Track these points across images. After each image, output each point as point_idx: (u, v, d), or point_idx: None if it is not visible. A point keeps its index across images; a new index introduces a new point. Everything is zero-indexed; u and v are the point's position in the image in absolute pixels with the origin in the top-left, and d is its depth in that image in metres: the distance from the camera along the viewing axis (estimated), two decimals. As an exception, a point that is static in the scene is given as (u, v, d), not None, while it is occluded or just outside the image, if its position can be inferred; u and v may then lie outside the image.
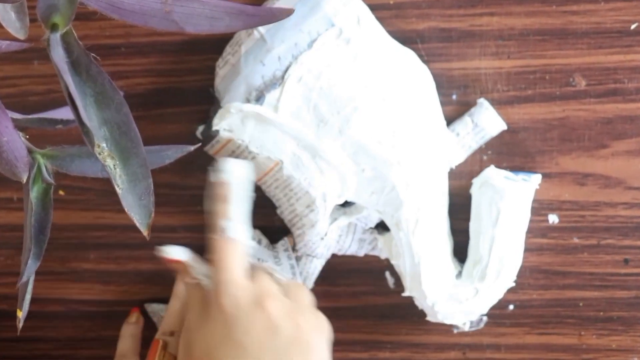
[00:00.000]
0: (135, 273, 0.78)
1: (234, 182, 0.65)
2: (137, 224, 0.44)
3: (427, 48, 0.70)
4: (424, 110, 0.68)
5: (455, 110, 0.71)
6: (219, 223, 0.65)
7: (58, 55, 0.42)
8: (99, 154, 0.42)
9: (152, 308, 0.78)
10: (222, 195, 0.65)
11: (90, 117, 0.43)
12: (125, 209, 0.44)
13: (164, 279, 0.78)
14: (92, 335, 0.80)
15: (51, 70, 0.72)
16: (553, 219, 0.73)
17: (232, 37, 0.68)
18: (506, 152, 0.72)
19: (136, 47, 0.73)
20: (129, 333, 0.77)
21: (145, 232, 0.44)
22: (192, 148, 0.55)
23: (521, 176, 0.70)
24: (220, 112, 0.68)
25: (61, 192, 0.76)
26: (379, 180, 0.68)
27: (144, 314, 0.79)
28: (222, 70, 0.68)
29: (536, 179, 0.71)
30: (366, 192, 0.69)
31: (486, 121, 0.70)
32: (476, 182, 0.71)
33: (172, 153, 0.55)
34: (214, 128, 0.68)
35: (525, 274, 0.74)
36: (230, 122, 0.67)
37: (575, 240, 0.73)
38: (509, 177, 0.70)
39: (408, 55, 0.68)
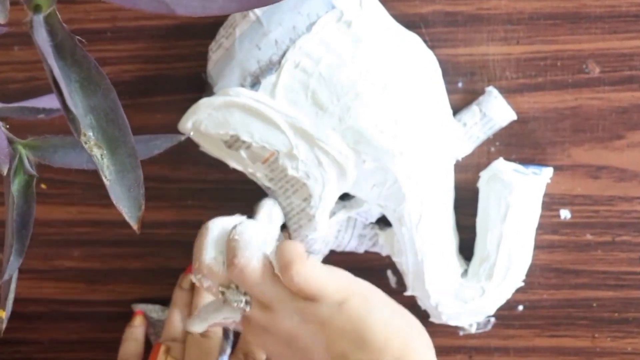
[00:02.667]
0: (121, 272, 0.78)
1: None
2: (127, 218, 0.44)
3: (431, 33, 0.70)
4: (429, 99, 0.68)
5: (461, 99, 0.71)
6: None
7: (41, 38, 0.42)
8: (85, 143, 0.42)
9: (140, 308, 0.78)
10: None
11: (76, 104, 0.42)
12: (114, 202, 0.44)
13: (152, 278, 0.78)
14: (76, 338, 0.80)
15: (32, 57, 0.73)
16: (565, 214, 0.73)
17: (226, 19, 0.68)
18: (515, 143, 0.72)
19: (123, 32, 0.73)
20: (132, 337, 0.78)
21: (135, 226, 0.44)
22: (182, 138, 0.55)
23: (532, 169, 0.70)
24: (188, 112, 0.68)
25: (43, 186, 0.76)
26: (380, 172, 0.67)
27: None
28: (215, 55, 0.68)
29: (547, 172, 0.71)
30: (367, 184, 0.68)
31: (495, 111, 0.70)
32: (484, 175, 0.71)
33: (161, 143, 0.55)
34: (180, 129, 0.68)
35: (536, 273, 0.74)
36: (201, 118, 0.67)
37: (589, 236, 0.73)
38: (518, 170, 0.70)
39: (413, 40, 0.68)
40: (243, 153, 0.68)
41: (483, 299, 0.71)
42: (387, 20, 0.68)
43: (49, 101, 0.58)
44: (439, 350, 0.77)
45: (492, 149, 0.72)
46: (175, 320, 0.76)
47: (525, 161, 0.72)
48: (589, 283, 0.74)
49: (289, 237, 0.73)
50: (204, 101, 0.67)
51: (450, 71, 0.71)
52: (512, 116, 0.70)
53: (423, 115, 0.67)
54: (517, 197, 0.69)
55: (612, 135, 0.71)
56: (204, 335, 0.73)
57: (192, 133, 0.68)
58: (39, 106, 0.58)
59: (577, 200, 0.73)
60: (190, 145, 0.70)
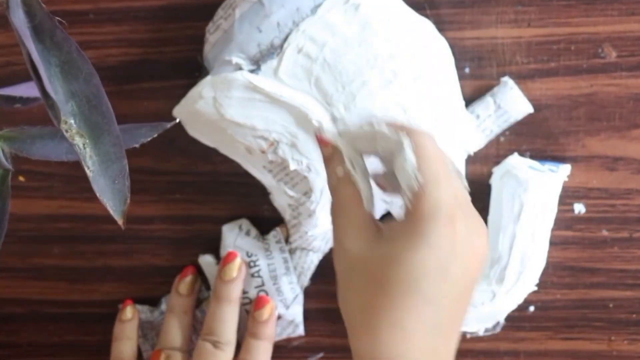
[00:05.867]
0: (105, 270, 0.78)
1: None
2: (111, 212, 0.43)
3: (436, 15, 0.70)
4: (440, 88, 0.67)
5: (469, 85, 0.71)
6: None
7: (18, 19, 0.42)
8: (66, 131, 0.42)
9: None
10: None
11: (56, 90, 0.42)
12: (97, 194, 0.43)
13: (138, 277, 0.77)
14: (56, 340, 0.80)
15: (8, 40, 0.72)
16: (579, 208, 0.73)
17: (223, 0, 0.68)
18: (526, 132, 0.71)
19: (106, 14, 0.72)
20: (125, 335, 0.77)
21: (120, 221, 0.44)
22: (168, 125, 0.55)
23: (548, 166, 0.70)
24: (182, 101, 0.67)
25: (21, 178, 0.75)
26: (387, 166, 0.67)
27: (149, 302, 0.78)
28: (212, 36, 0.67)
29: (565, 169, 0.70)
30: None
31: (510, 103, 0.69)
32: (497, 171, 0.71)
33: (146, 132, 0.54)
34: (175, 115, 0.68)
35: (548, 271, 0.73)
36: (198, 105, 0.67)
37: (605, 232, 0.73)
38: (534, 167, 0.69)
39: (424, 25, 0.67)
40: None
41: (493, 303, 0.71)
42: (397, 3, 0.67)
43: (26, 89, 0.57)
44: (445, 354, 0.76)
45: (502, 138, 0.72)
46: (173, 327, 0.75)
47: (536, 151, 0.71)
48: (605, 282, 0.74)
49: (287, 233, 0.73)
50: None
51: (457, 55, 0.70)
52: (528, 109, 0.70)
53: (434, 106, 0.66)
54: (532, 195, 0.68)
55: (630, 124, 0.71)
56: (216, 346, 0.72)
57: (178, 119, 0.68)
58: (16, 94, 0.58)
59: (592, 193, 0.72)
60: (178, 136, 0.70)
